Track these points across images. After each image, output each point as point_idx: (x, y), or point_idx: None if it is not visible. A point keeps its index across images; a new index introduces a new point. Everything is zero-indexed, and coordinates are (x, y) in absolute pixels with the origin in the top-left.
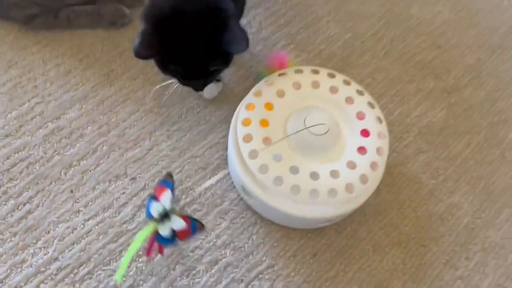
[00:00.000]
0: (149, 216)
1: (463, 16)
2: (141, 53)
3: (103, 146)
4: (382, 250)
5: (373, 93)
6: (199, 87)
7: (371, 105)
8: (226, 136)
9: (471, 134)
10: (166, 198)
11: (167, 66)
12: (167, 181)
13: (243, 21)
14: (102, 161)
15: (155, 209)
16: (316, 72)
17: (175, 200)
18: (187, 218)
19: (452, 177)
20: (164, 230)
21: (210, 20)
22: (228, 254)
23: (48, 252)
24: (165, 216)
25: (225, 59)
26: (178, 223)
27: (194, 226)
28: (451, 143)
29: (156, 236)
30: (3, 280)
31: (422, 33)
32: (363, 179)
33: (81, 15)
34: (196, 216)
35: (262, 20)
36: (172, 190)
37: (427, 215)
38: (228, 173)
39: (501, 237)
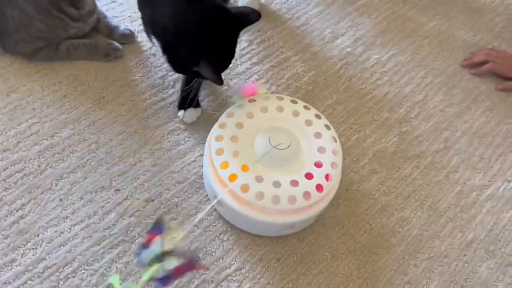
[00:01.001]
0: (141, 264)
1: (414, 58)
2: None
3: (91, 161)
4: (339, 257)
5: (334, 122)
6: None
7: (327, 127)
8: (202, 155)
9: (420, 158)
10: (156, 244)
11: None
12: (158, 227)
13: None
14: (90, 174)
15: (146, 257)
16: (281, 98)
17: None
18: (182, 254)
19: (403, 194)
20: (157, 273)
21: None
22: (200, 258)
23: (37, 253)
24: (156, 260)
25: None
26: (169, 263)
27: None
28: (401, 165)
29: (154, 281)
30: None
31: (377, 72)
32: (319, 188)
33: (79, 47)
34: (171, 223)
35: (238, 58)
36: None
37: (380, 227)
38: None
39: (445, 247)
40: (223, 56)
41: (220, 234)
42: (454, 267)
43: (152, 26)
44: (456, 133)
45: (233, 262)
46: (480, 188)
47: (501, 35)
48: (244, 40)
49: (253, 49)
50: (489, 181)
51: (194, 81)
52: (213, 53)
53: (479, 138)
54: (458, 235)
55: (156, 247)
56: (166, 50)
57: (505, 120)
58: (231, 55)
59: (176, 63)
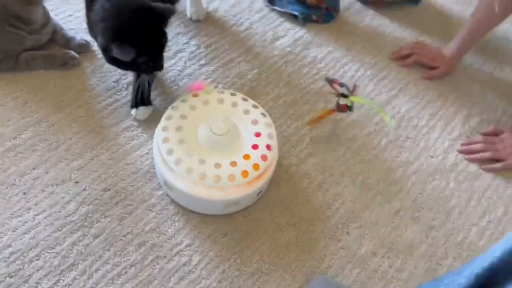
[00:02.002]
0: None
1: (348, 55)
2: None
3: (52, 158)
4: (280, 229)
5: (275, 113)
6: (162, 64)
7: (263, 115)
8: None
9: (352, 141)
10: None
11: (138, 61)
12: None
13: (171, 61)
14: (51, 170)
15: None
16: (221, 92)
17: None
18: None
19: (336, 173)
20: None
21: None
22: (154, 238)
23: (3, 241)
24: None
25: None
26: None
27: None
28: (336, 148)
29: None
30: None
31: (314, 68)
32: (256, 167)
33: (38, 58)
34: (126, 210)
35: (186, 61)
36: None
37: (316, 202)
38: None
39: (375, 216)
40: (141, 43)
41: (172, 216)
42: (383, 232)
43: (91, 29)
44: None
45: (184, 239)
46: (407, 164)
47: (427, 30)
48: (192, 45)
49: (201, 52)
50: (414, 157)
51: (140, 77)
52: (124, 39)
53: (406, 121)
54: (386, 206)
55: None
56: (102, 49)
57: (430, 104)
58: (153, 43)
59: (112, 60)
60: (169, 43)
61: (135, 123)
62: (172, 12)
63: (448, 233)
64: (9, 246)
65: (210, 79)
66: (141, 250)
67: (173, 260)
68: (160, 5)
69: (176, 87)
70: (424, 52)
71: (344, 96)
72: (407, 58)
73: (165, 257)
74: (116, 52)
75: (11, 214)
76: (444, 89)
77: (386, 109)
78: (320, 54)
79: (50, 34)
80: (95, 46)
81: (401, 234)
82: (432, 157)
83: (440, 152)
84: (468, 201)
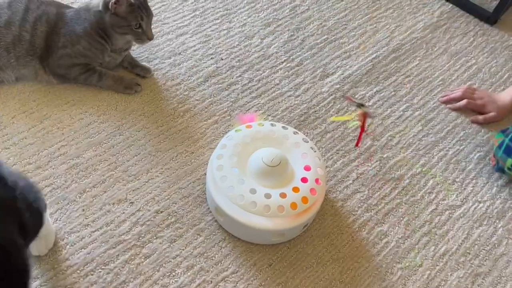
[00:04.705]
0: None
1: (396, 94)
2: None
3: (110, 178)
4: (324, 264)
5: (322, 147)
6: None
7: (313, 149)
8: (205, 174)
9: (398, 181)
10: None
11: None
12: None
13: (225, 93)
14: (108, 189)
15: None
16: (273, 125)
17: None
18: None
19: (382, 212)
20: None
21: None
22: (201, 262)
23: (62, 254)
24: None
25: None
26: None
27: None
28: (382, 186)
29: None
30: None
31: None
32: (304, 200)
33: (109, 76)
34: (176, 233)
35: (239, 93)
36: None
37: (361, 239)
38: None
39: (419, 258)
40: None
41: (219, 242)
42: (427, 275)
43: None
44: (433, 159)
45: (230, 265)
46: (453, 208)
47: (476, 75)
48: (245, 78)
49: (253, 85)
50: (461, 201)
51: None
52: None
53: (454, 164)
54: (432, 248)
55: None
56: None
57: (477, 149)
58: None
59: None
60: (223, 76)
61: (189, 149)
62: None
63: (495, 282)
64: (67, 259)
65: (260, 111)
66: (189, 273)
67: (219, 286)
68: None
69: (228, 117)
70: (476, 97)
71: (362, 105)
72: (457, 102)
73: (211, 282)
74: None
75: (70, 229)
76: (493, 134)
77: (433, 151)
78: (368, 92)
79: (123, 58)
80: (156, 74)
81: (446, 279)
82: (479, 202)
83: (488, 198)
84: None
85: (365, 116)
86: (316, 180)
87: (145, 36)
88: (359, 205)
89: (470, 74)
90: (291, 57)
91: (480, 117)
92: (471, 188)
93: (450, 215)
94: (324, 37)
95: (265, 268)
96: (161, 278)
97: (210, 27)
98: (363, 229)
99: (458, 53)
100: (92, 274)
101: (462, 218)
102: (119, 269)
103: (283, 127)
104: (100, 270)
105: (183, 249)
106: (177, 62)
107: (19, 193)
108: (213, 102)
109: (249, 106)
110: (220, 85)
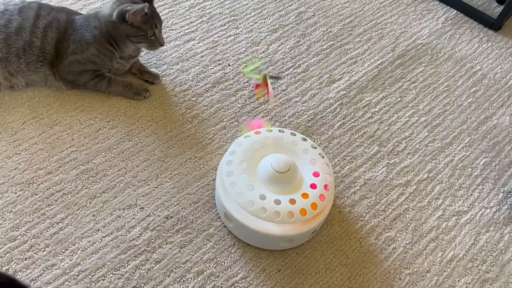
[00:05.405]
0: None
1: (402, 100)
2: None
3: (120, 183)
4: (332, 269)
5: (329, 153)
6: None
7: (321, 155)
8: (214, 179)
9: (405, 187)
10: None
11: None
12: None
13: (232, 99)
14: (119, 194)
15: None
16: (282, 131)
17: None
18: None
19: (389, 217)
20: None
21: None
22: (211, 267)
23: (73, 259)
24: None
25: None
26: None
27: None
28: (389, 192)
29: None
30: (37, 278)
31: (369, 112)
32: (314, 206)
33: (118, 82)
34: (186, 238)
35: (246, 99)
36: None
37: (369, 245)
38: None
39: (427, 264)
40: None
41: (228, 247)
42: (435, 281)
43: None
44: (439, 165)
45: (240, 271)
46: (460, 214)
47: (481, 81)
48: (252, 84)
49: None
50: (468, 207)
51: None
52: None
53: (460, 170)
54: (439, 254)
55: None
56: None
57: (483, 155)
58: None
59: None
60: (230, 82)
61: (198, 155)
62: None
63: None
64: (78, 264)
65: (268, 117)
66: (199, 279)
67: None
68: None
69: (236, 123)
70: None
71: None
72: None
73: (221, 287)
74: None
75: (81, 234)
76: (498, 140)
77: (439, 156)
78: (374, 98)
79: (131, 65)
80: (164, 79)
81: (454, 285)
82: (486, 208)
83: (494, 204)
84: None
85: (266, 78)
86: (325, 186)
87: (158, 43)
88: (367, 211)
89: (475, 80)
90: (297, 63)
91: None
92: (478, 194)
93: (457, 221)
94: (330, 43)
95: (274, 273)
96: (172, 283)
97: (217, 33)
98: (371, 235)
99: (463, 59)
100: (103, 279)
101: (469, 224)
102: (130, 274)
103: (291, 133)
104: (111, 275)
105: (193, 255)
106: (185, 68)
107: None
108: (220, 108)
109: (256, 112)
110: (227, 91)
